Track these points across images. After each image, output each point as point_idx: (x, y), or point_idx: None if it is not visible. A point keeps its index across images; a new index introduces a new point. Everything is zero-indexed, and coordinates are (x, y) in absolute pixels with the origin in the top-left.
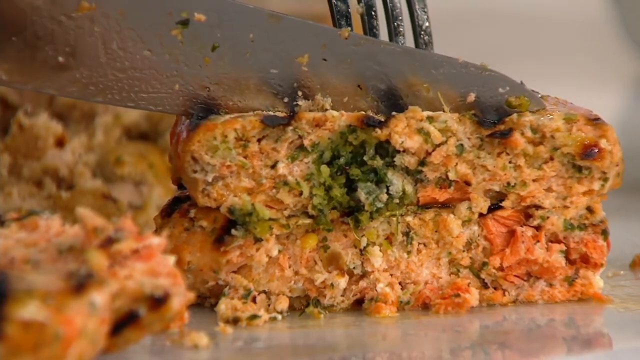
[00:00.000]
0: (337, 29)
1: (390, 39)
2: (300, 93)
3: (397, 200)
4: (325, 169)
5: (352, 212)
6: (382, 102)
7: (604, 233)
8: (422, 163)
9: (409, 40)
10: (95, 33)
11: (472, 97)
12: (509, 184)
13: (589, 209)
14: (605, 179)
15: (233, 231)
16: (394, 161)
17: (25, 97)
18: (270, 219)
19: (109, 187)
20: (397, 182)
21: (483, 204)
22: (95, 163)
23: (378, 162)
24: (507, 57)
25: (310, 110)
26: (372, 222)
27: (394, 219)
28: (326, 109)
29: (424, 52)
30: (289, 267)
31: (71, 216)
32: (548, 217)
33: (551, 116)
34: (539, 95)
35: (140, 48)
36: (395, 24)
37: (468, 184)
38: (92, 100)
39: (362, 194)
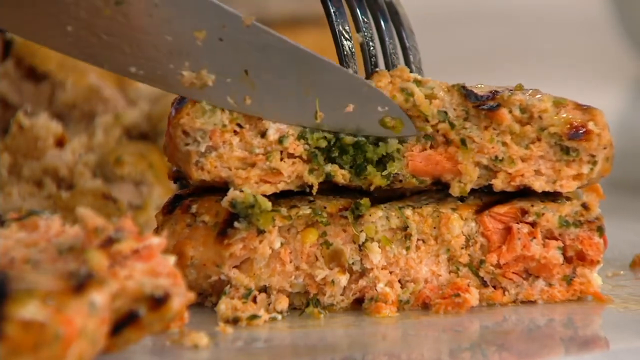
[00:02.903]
0: (241, 15)
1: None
2: (187, 64)
3: (377, 139)
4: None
5: (352, 205)
6: (265, 93)
7: (600, 230)
8: None
9: None
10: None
11: (350, 107)
12: (497, 157)
13: (584, 206)
14: (594, 162)
15: (236, 224)
16: None
17: (25, 97)
18: (272, 210)
19: (109, 187)
20: None
21: (473, 174)
22: (95, 163)
23: None
24: (507, 57)
25: (192, 83)
26: (371, 217)
27: (393, 213)
28: (208, 85)
29: (314, 55)
30: (290, 262)
31: (71, 216)
32: (543, 214)
33: (541, 97)
34: (530, 90)
35: None
36: (391, 58)
37: (449, 140)
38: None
39: None
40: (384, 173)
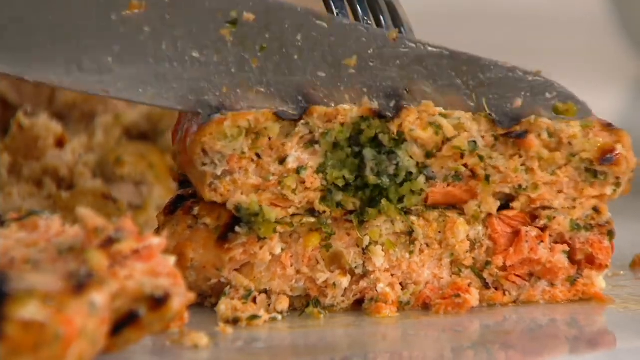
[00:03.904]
0: (384, 31)
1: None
2: (347, 97)
3: (404, 179)
4: (336, 155)
5: (361, 208)
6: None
7: (610, 234)
8: (428, 155)
9: None
10: (145, 32)
11: (518, 102)
12: (520, 186)
13: (596, 209)
14: (618, 184)
15: (237, 228)
16: (404, 145)
17: (25, 97)
18: (276, 222)
19: (109, 187)
20: (404, 157)
21: (493, 205)
22: (95, 163)
23: (390, 142)
24: (507, 57)
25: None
26: (376, 221)
27: (398, 217)
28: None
29: (471, 55)
30: (291, 265)
31: (71, 216)
32: (554, 218)
33: (568, 123)
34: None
35: (189, 49)
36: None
37: (475, 174)
38: (139, 102)
39: (368, 161)
40: (399, 206)
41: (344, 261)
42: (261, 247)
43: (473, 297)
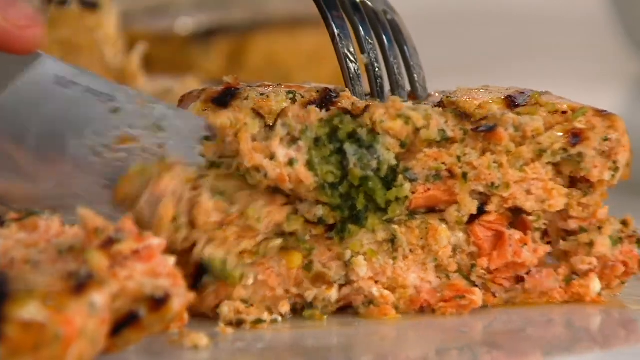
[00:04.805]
0: None
1: (393, 92)
2: None
3: (388, 178)
4: (319, 152)
5: (342, 224)
6: None
7: (639, 242)
8: (403, 144)
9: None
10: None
11: None
12: (493, 184)
13: (624, 223)
14: (616, 169)
15: (205, 278)
16: (379, 138)
17: None
18: (241, 275)
19: None
20: (383, 150)
21: (471, 205)
22: None
23: (368, 136)
24: (506, 57)
25: None
26: (360, 232)
27: (380, 227)
28: None
29: None
30: (279, 285)
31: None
32: (594, 242)
33: (532, 116)
34: (541, 92)
35: None
36: (396, 78)
37: (453, 174)
38: None
39: (350, 155)
40: (385, 218)
41: (327, 277)
42: (233, 287)
43: (478, 297)
